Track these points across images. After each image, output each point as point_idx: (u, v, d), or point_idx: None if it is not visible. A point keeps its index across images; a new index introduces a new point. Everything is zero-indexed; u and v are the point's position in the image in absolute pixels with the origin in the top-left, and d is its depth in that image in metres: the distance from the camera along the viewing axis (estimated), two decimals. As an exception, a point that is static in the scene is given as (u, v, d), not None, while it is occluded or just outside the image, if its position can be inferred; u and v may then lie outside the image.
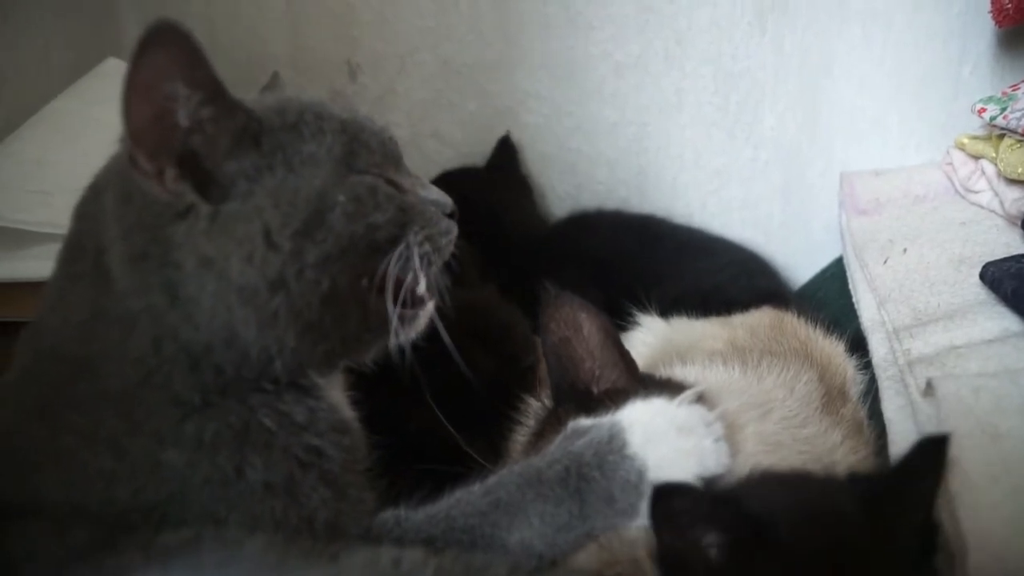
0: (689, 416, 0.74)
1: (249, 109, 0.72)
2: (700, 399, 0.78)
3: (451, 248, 0.82)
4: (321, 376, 0.76)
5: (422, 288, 0.78)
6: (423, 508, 0.73)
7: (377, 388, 0.85)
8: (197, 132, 0.69)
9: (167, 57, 0.66)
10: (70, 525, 0.65)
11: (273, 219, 0.70)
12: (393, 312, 0.75)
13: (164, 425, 0.69)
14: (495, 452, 0.96)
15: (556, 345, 0.85)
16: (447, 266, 0.82)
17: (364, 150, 0.77)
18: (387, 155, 0.80)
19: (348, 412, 0.80)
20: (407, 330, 0.78)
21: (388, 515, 0.73)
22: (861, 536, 0.64)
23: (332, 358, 0.76)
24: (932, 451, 0.70)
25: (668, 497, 0.64)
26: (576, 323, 0.84)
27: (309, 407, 0.74)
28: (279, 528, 0.68)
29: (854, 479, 0.72)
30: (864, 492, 0.68)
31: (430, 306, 0.80)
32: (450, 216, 0.83)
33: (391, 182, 0.78)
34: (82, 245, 0.73)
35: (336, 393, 0.80)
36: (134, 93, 0.66)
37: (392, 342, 0.77)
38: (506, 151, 1.58)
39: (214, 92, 0.69)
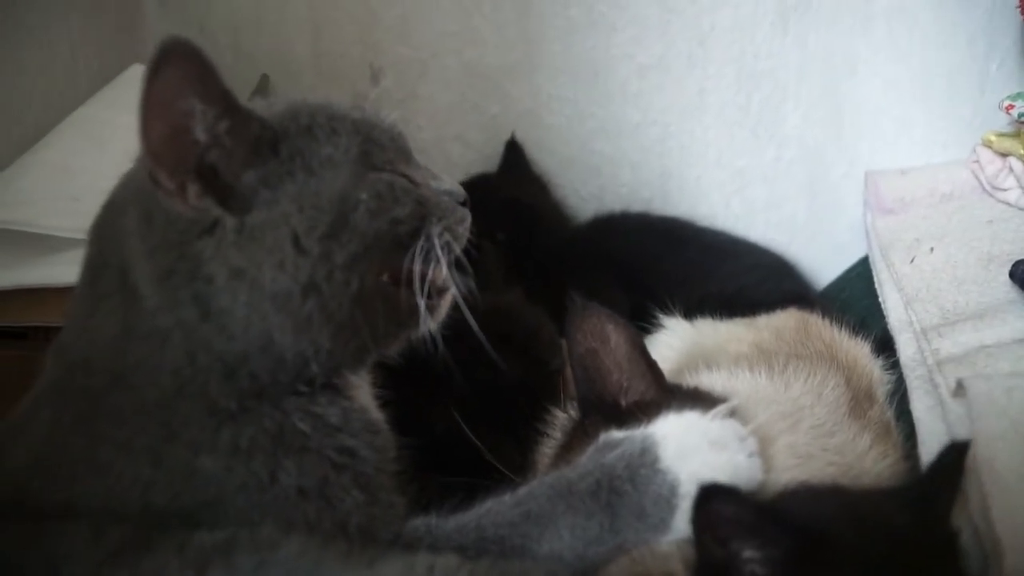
0: (722, 431, 0.73)
1: (263, 118, 0.73)
2: (733, 413, 0.77)
3: (467, 236, 0.83)
4: (353, 373, 0.77)
5: (444, 277, 0.79)
6: (453, 517, 0.73)
7: (402, 388, 0.85)
8: (215, 146, 0.69)
9: (180, 74, 0.66)
10: (106, 527, 0.65)
11: (300, 224, 0.71)
12: (421, 303, 0.76)
13: (200, 433, 0.70)
14: (523, 455, 0.95)
15: (583, 356, 0.84)
16: (473, 265, 0.83)
17: (378, 148, 0.77)
18: (399, 150, 0.81)
19: (377, 413, 0.81)
20: (433, 319, 0.79)
21: (419, 523, 0.73)
22: (912, 546, 0.64)
23: (363, 354, 0.77)
24: (954, 457, 0.70)
25: (712, 500, 0.63)
26: (603, 334, 0.82)
27: (342, 407, 0.75)
28: (312, 533, 0.68)
29: (888, 490, 0.71)
30: (904, 501, 0.67)
31: (450, 293, 0.81)
32: (463, 204, 0.84)
33: (405, 176, 0.79)
34: (105, 264, 0.74)
35: (365, 394, 0.81)
36: (150, 112, 0.66)
37: (422, 330, 0.79)
38: (515, 153, 1.58)
39: (228, 105, 0.69)
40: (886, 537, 0.64)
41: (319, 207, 0.71)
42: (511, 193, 1.52)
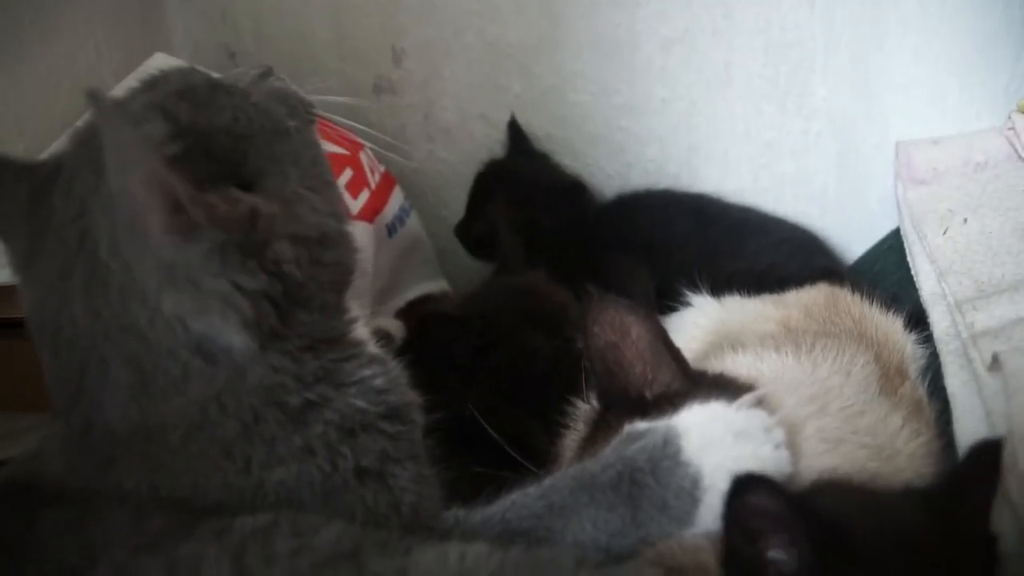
0: (748, 421, 0.72)
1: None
2: (760, 402, 0.75)
3: None
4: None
5: None
6: (480, 510, 0.73)
7: (426, 378, 0.85)
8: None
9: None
10: (149, 512, 0.65)
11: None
12: None
13: (273, 450, 0.69)
14: (552, 442, 0.95)
15: (602, 350, 0.81)
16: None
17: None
18: None
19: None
20: None
21: (449, 515, 0.73)
22: (931, 549, 0.62)
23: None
24: (986, 456, 0.68)
25: (746, 492, 0.62)
26: (623, 327, 0.80)
27: (383, 367, 0.75)
28: (370, 517, 0.69)
29: (913, 489, 0.70)
30: (926, 502, 0.66)
31: None
32: None
33: None
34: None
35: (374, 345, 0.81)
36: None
37: None
38: (519, 134, 1.58)
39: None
40: (906, 539, 0.63)
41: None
42: (549, 177, 1.54)
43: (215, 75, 0.78)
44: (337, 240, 0.75)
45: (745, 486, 0.62)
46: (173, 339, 0.67)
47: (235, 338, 0.67)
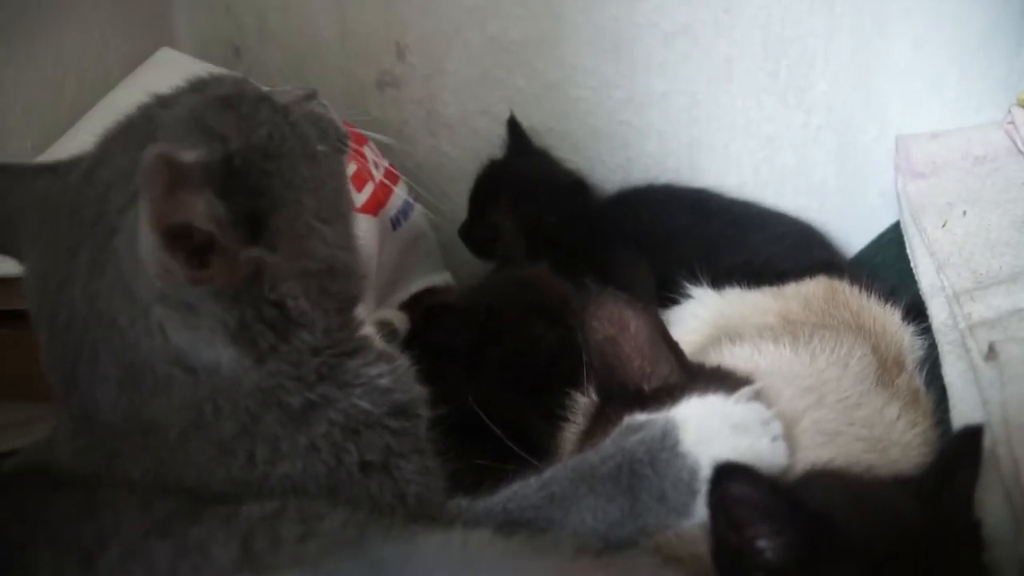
0: (745, 414, 0.73)
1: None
2: (758, 395, 0.76)
3: None
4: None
5: None
6: (482, 500, 0.73)
7: (434, 366, 0.86)
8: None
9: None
10: (156, 499, 0.66)
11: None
12: None
13: (277, 447, 0.69)
14: (558, 429, 0.95)
15: (601, 344, 0.82)
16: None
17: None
18: None
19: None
20: None
21: (452, 504, 0.74)
22: (920, 537, 0.63)
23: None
24: (969, 442, 0.69)
25: (727, 480, 0.63)
26: (622, 321, 0.81)
27: (390, 364, 0.75)
28: (375, 506, 0.69)
29: (901, 478, 0.70)
30: (915, 490, 0.67)
31: None
32: None
33: None
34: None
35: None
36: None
37: None
38: (518, 131, 1.58)
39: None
40: (894, 528, 0.63)
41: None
42: (551, 174, 1.55)
43: (264, 88, 0.78)
44: (345, 272, 0.74)
45: (726, 475, 0.63)
46: (151, 346, 0.66)
47: (223, 353, 0.66)
